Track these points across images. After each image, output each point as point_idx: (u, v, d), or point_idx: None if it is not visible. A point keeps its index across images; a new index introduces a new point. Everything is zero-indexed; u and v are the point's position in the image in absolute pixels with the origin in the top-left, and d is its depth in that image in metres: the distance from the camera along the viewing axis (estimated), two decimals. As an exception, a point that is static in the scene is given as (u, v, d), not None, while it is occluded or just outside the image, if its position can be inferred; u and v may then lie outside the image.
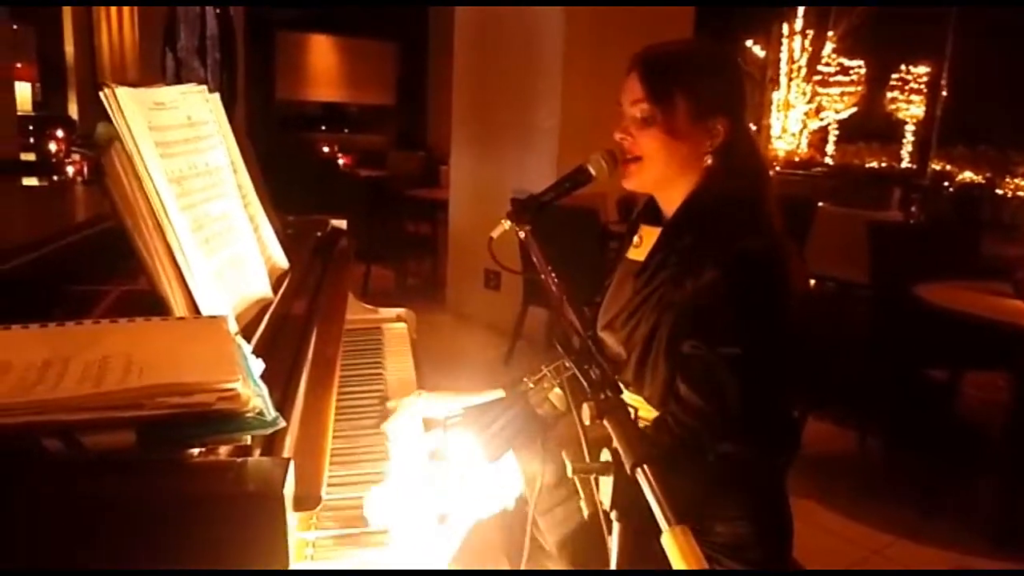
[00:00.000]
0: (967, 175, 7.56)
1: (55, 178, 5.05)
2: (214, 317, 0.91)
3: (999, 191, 7.11)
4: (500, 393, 1.48)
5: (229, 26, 6.10)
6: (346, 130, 10.74)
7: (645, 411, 1.35)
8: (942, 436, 3.13)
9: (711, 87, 1.36)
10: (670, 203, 1.41)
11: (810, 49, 8.61)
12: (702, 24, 5.10)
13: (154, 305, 0.94)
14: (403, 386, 1.60)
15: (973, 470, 3.24)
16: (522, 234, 1.30)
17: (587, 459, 0.87)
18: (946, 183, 7.53)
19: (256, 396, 0.71)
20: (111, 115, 0.94)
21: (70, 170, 5.01)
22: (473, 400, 1.49)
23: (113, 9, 9.23)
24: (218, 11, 6.03)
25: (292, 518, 0.69)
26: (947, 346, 3.08)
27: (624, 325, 1.39)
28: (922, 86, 7.98)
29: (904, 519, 2.91)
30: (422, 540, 1.05)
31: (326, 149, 8.79)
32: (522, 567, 1.19)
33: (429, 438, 1.41)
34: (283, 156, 6.08)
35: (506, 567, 1.56)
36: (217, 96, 1.35)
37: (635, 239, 1.48)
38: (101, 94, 0.94)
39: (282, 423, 0.73)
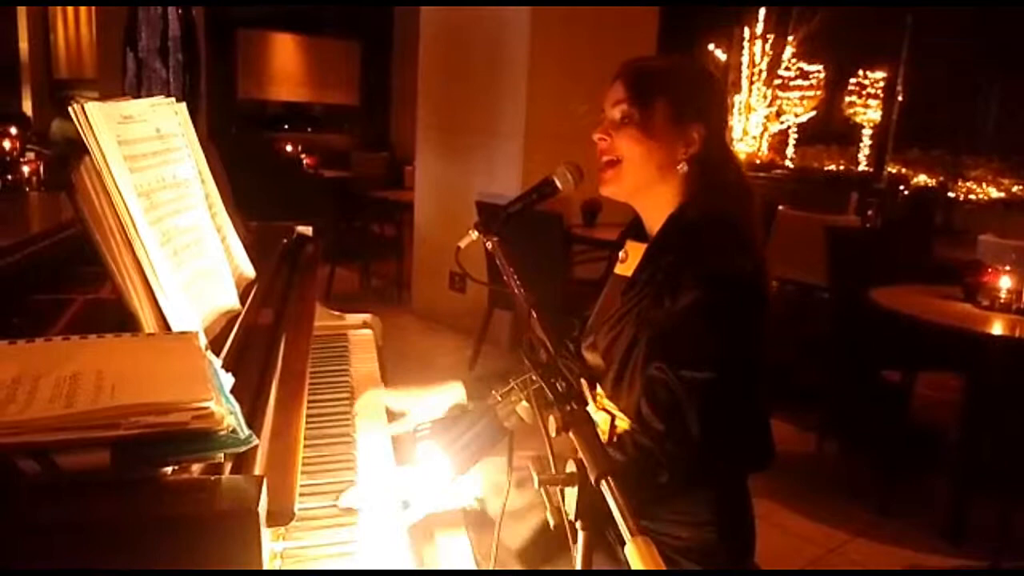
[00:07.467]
0: (921, 178, 7.73)
1: (8, 178, 4.96)
2: (185, 333, 0.92)
3: (951, 194, 7.27)
4: (459, 388, 1.51)
5: (192, 27, 6.03)
6: (309, 129, 10.66)
7: (621, 420, 1.38)
8: (897, 436, 3.21)
9: (691, 95, 1.40)
10: (652, 218, 1.43)
11: (771, 53, 8.73)
12: (666, 27, 5.14)
13: (119, 315, 0.94)
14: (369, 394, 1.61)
15: (927, 469, 3.32)
16: (489, 245, 1.32)
17: (553, 471, 0.90)
18: (901, 186, 7.69)
19: (229, 414, 0.72)
20: (80, 131, 0.94)
21: (25, 170, 4.91)
22: (432, 396, 1.51)
23: (70, 7, 9.06)
24: (180, 11, 5.95)
25: (266, 534, 0.70)
26: (902, 348, 3.16)
27: (605, 336, 1.40)
28: (878, 91, 8.13)
29: (860, 518, 2.99)
30: (386, 522, 1.08)
31: (289, 149, 8.71)
32: (491, 566, 1.21)
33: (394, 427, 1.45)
34: (245, 156, 6.04)
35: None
36: (184, 106, 1.35)
37: (620, 254, 1.50)
38: (70, 109, 0.94)
39: (255, 441, 0.74)
